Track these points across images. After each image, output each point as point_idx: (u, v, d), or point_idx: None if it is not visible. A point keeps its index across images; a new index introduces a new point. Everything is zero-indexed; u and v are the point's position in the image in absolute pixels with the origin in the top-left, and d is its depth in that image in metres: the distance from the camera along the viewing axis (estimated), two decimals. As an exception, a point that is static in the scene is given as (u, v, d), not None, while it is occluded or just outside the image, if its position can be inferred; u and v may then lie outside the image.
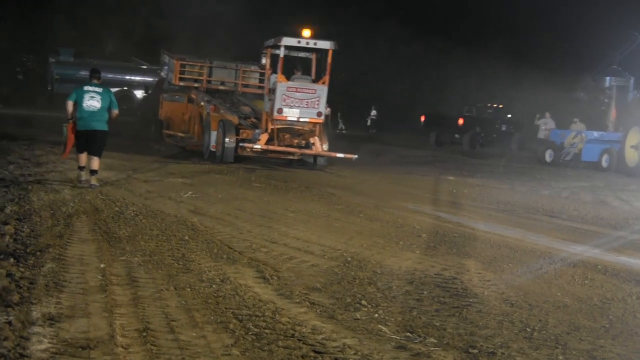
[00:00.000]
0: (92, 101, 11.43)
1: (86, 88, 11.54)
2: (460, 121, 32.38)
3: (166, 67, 21.70)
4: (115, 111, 11.66)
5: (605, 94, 25.43)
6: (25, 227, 7.83)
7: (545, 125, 27.15)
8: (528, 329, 5.48)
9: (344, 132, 36.87)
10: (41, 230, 7.77)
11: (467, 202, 12.99)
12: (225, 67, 20.55)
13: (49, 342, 4.50)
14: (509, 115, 33.85)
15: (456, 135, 32.50)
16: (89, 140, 11.51)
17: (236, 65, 20.59)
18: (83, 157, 11.56)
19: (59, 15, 40.66)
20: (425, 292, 6.31)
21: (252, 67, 20.62)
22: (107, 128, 11.67)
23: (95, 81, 11.69)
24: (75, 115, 11.54)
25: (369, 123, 42.37)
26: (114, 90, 14.45)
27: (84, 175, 11.51)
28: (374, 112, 42.41)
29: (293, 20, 34.82)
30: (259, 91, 19.53)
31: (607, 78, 25.36)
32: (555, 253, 8.47)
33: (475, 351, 4.91)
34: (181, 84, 20.22)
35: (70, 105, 11.50)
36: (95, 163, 11.50)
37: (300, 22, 26.12)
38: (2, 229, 7.46)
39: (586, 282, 7.12)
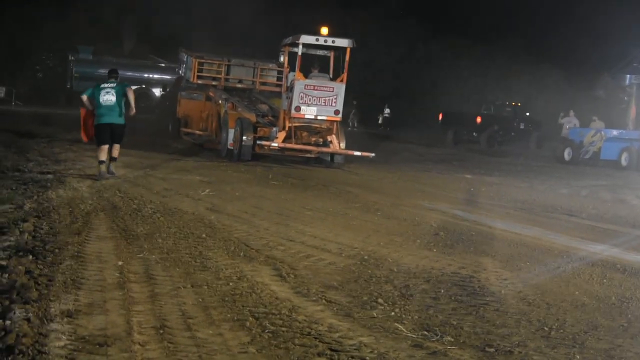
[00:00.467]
0: (108, 96, 12.15)
1: (102, 85, 12.30)
2: (478, 119, 32.23)
3: (184, 65, 21.76)
4: (130, 90, 12.40)
5: (625, 92, 25.24)
6: (44, 224, 7.89)
7: (569, 123, 26.89)
8: (545, 328, 5.45)
9: (355, 129, 36.77)
10: (60, 227, 7.83)
11: (484, 200, 12.94)
12: (243, 65, 20.56)
13: (67, 339, 4.53)
14: (527, 114, 33.66)
15: (474, 134, 32.35)
16: (108, 134, 12.18)
17: (254, 63, 20.60)
18: (104, 149, 12.13)
19: (78, 13, 40.93)
20: (442, 291, 6.29)
21: (270, 65, 20.62)
22: (124, 122, 12.38)
23: (112, 80, 12.44)
24: (94, 109, 12.32)
25: (380, 121, 42.26)
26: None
27: (104, 167, 12.01)
28: (387, 111, 42.28)
29: (311, 18, 34.84)
30: (277, 89, 19.52)
31: (627, 76, 25.18)
32: (574, 252, 8.42)
33: (492, 350, 4.89)
34: (199, 82, 20.26)
35: (84, 97, 12.41)
36: (116, 151, 12.33)
37: (318, 20, 26.11)
38: (21, 226, 7.53)
39: (604, 281, 7.08)
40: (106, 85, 12.21)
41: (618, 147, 23.38)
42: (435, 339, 5.02)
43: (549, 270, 7.39)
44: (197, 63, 20.07)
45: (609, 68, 27.43)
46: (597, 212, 12.31)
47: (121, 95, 12.19)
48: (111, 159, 12.20)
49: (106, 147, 12.08)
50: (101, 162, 11.98)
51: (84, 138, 12.67)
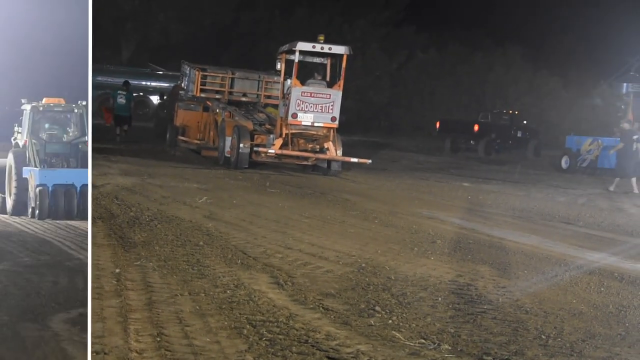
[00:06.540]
0: (121, 99, 22.16)
1: (119, 92, 22.36)
2: (476, 127, 32.24)
3: (187, 78, 21.35)
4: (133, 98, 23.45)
5: (622, 100, 25.30)
6: (41, 231, 7.89)
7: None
8: (543, 336, 5.45)
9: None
10: (57, 235, 7.83)
11: (482, 208, 12.94)
12: (247, 78, 20.15)
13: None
14: (525, 122, 33.69)
15: (471, 142, 32.37)
16: (121, 121, 22.15)
17: (259, 76, 20.24)
18: (118, 129, 22.05)
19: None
20: (439, 299, 6.29)
21: (275, 78, 20.05)
22: (130, 114, 22.60)
23: (124, 87, 22.66)
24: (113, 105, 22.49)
25: None
26: None
27: (118, 138, 21.45)
28: None
29: (309, 26, 34.92)
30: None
31: (624, 84, 25.24)
32: (571, 260, 8.42)
33: (490, 358, 4.89)
34: (202, 95, 19.80)
35: (111, 100, 22.78)
36: (125, 127, 22.17)
37: (317, 28, 26.12)
38: (19, 234, 7.53)
39: (602, 289, 7.08)
40: (121, 92, 22.30)
41: (615, 156, 23.35)
42: (432, 347, 5.02)
43: (546, 278, 7.40)
44: (200, 76, 19.67)
45: (607, 76, 27.49)
46: (595, 220, 12.32)
47: (129, 100, 22.38)
48: (123, 131, 22.09)
49: (118, 127, 22.05)
50: (117, 134, 21.74)
51: (108, 122, 22.95)
